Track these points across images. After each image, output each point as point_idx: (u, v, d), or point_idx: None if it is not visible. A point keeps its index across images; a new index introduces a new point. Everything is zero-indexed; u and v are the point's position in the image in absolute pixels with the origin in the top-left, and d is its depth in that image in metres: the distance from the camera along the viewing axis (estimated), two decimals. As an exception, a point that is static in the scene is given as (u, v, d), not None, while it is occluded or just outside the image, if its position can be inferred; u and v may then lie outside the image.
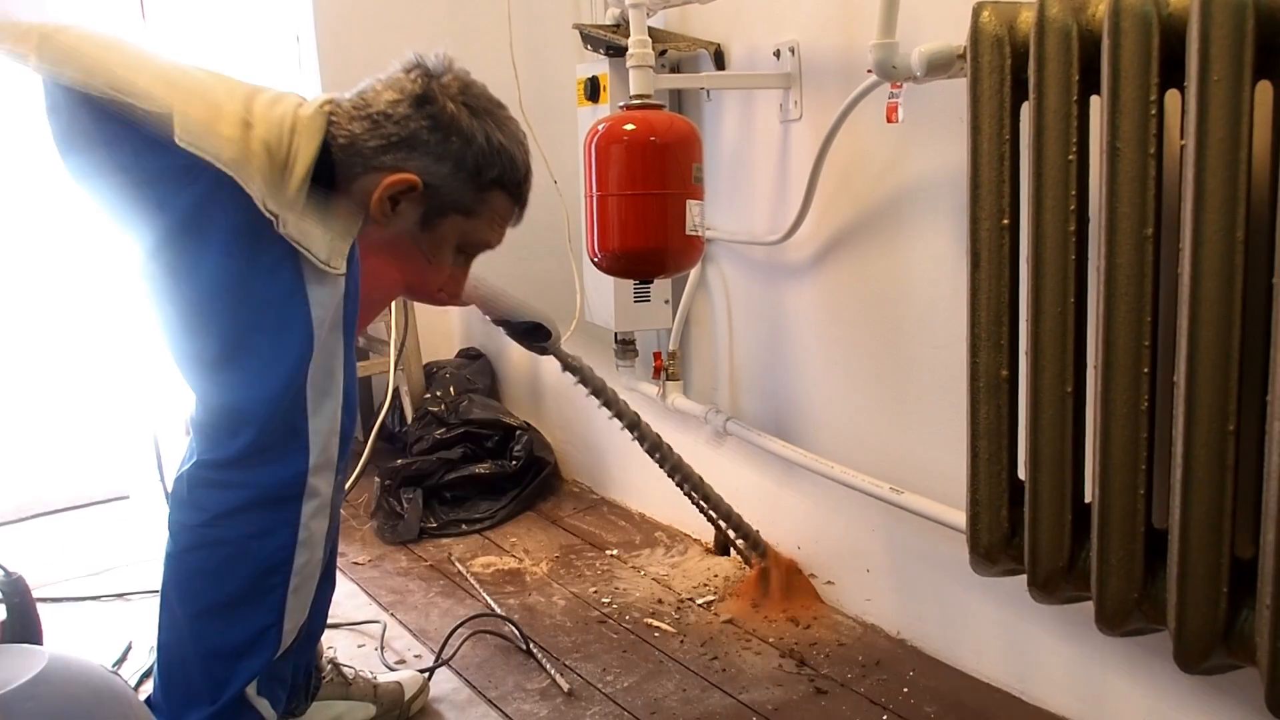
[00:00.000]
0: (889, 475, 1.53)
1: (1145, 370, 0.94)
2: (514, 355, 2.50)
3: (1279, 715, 0.86)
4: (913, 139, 1.42)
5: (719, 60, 1.74)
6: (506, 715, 1.44)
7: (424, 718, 1.45)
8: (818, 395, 1.69)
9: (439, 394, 2.36)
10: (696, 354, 1.95)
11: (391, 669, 1.55)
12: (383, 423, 2.17)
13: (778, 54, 1.62)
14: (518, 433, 2.27)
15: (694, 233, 1.52)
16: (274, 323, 1.08)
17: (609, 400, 1.62)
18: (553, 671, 1.53)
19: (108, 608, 1.80)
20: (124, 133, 1.01)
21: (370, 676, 1.44)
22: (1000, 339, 1.06)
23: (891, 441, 1.55)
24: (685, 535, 2.02)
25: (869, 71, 1.28)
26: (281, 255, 1.06)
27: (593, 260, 1.59)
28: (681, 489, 1.69)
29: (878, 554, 1.63)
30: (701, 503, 1.71)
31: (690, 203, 1.51)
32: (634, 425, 1.64)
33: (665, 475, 1.68)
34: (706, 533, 1.95)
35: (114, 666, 1.58)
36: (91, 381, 2.54)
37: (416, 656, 1.61)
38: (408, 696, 1.44)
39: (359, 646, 1.65)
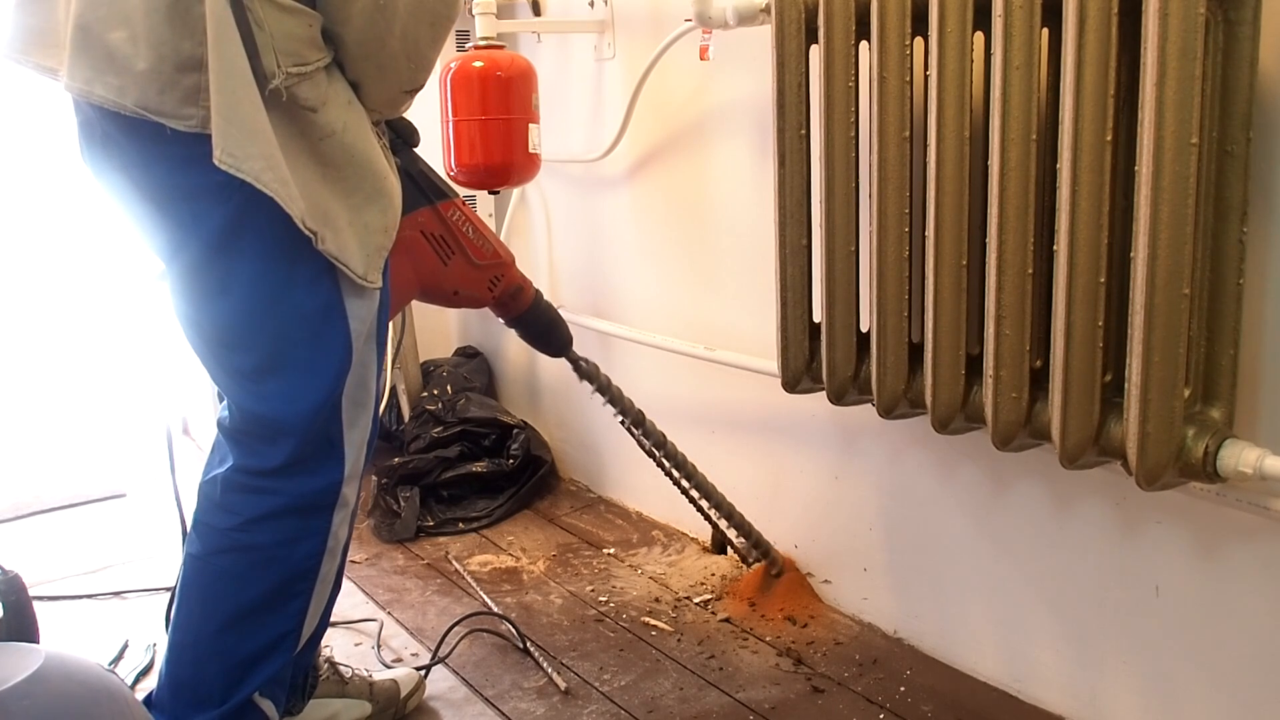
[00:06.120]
0: (700, 339, 1.86)
1: (906, 229, 1.28)
2: (511, 354, 2.50)
3: (1004, 450, 1.24)
4: (715, 72, 1.74)
5: (535, 8, 2.09)
6: (503, 713, 1.44)
7: (420, 716, 1.45)
8: (634, 282, 2.04)
9: (436, 392, 2.36)
10: (519, 259, 2.29)
11: (388, 667, 1.55)
12: (379, 421, 2.17)
13: (591, 3, 1.96)
14: (515, 431, 2.27)
15: (534, 151, 1.83)
16: (313, 337, 1.09)
17: (620, 404, 1.61)
18: (550, 670, 1.53)
19: (104, 606, 1.80)
20: (157, 150, 1.01)
21: (366, 674, 1.44)
22: (800, 217, 1.41)
23: (701, 313, 1.88)
24: (682, 534, 2.02)
25: (687, 20, 1.60)
26: (319, 270, 1.06)
27: (449, 174, 1.82)
28: (687, 496, 1.69)
29: (875, 553, 1.63)
30: (709, 509, 1.70)
31: (530, 125, 1.81)
32: (661, 445, 1.64)
33: (664, 476, 1.68)
34: (704, 531, 1.95)
35: (110, 665, 1.58)
36: (89, 379, 2.54)
37: (413, 655, 1.61)
38: (403, 694, 1.44)
39: (355, 645, 1.65)
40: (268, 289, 1.06)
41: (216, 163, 0.93)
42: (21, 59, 1.05)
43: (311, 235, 1.01)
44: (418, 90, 1.14)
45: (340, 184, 1.05)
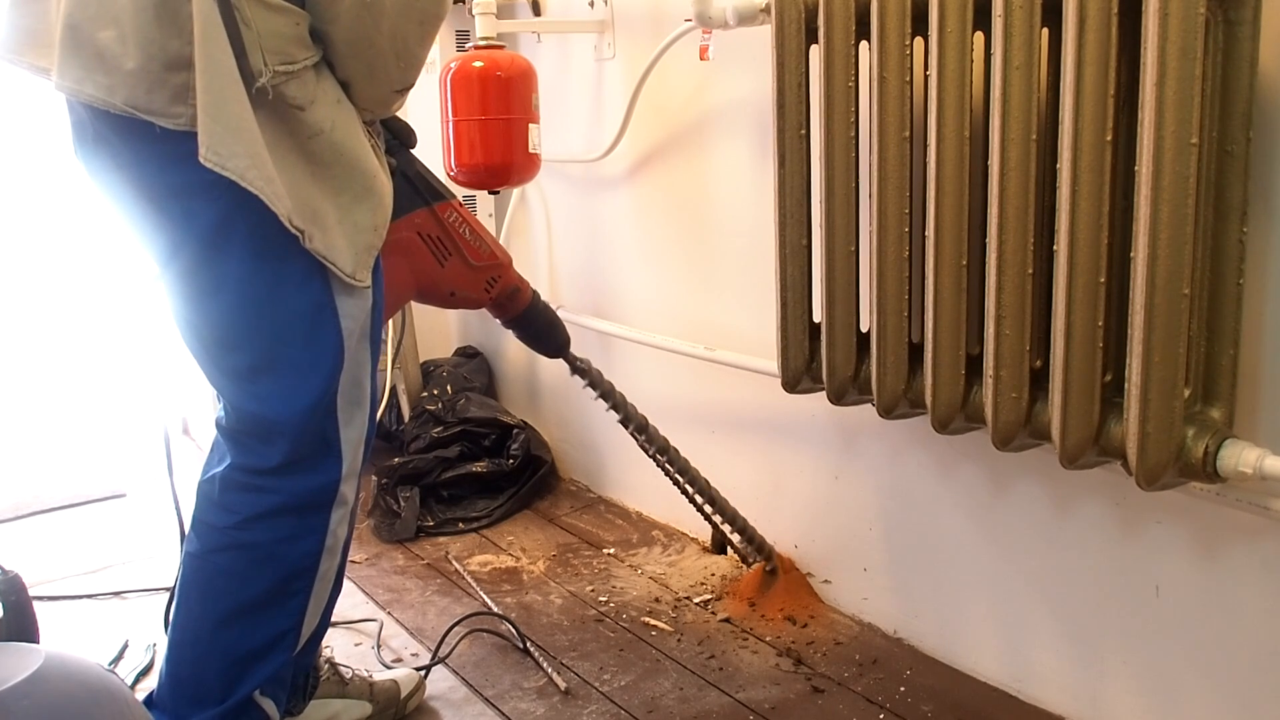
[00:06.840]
0: (700, 339, 1.86)
1: (906, 229, 1.28)
2: (511, 354, 2.50)
3: (1004, 450, 1.24)
4: (715, 72, 1.73)
5: (535, 8, 2.09)
6: (503, 714, 1.44)
7: (420, 716, 1.45)
8: (634, 282, 2.04)
9: (436, 392, 2.36)
10: (519, 259, 2.14)
11: (388, 667, 1.55)
12: (380, 421, 2.17)
13: (591, 3, 1.96)
14: (515, 431, 2.27)
15: (534, 151, 1.82)
16: (305, 336, 1.09)
17: (619, 405, 1.61)
18: (550, 670, 1.53)
19: (104, 606, 1.80)
20: (148, 148, 1.01)
21: (366, 675, 1.44)
22: (800, 217, 1.41)
23: (701, 313, 1.88)
24: (682, 534, 2.02)
25: (687, 20, 1.59)
26: (310, 269, 1.06)
27: (448, 175, 1.83)
28: (687, 495, 1.69)
29: (875, 553, 1.63)
30: (707, 508, 1.70)
31: (530, 126, 1.81)
32: (641, 429, 1.63)
33: (664, 475, 1.68)
34: (704, 531, 1.95)
35: (110, 665, 1.58)
36: (89, 379, 2.54)
37: (413, 655, 1.61)
38: (404, 695, 1.44)
39: (355, 645, 1.65)
40: (259, 288, 1.06)
41: (201, 160, 0.94)
42: (15, 59, 1.05)
43: (298, 234, 1.01)
44: (408, 89, 1.14)
45: (329, 182, 1.05)
